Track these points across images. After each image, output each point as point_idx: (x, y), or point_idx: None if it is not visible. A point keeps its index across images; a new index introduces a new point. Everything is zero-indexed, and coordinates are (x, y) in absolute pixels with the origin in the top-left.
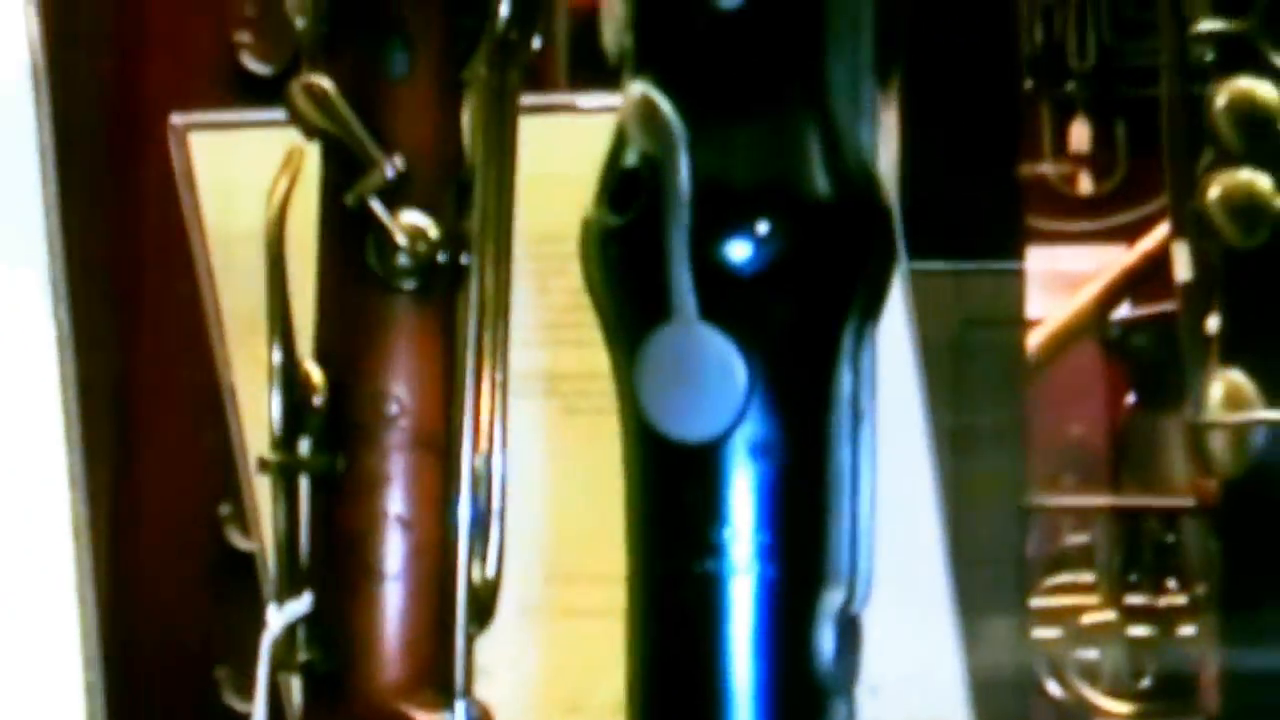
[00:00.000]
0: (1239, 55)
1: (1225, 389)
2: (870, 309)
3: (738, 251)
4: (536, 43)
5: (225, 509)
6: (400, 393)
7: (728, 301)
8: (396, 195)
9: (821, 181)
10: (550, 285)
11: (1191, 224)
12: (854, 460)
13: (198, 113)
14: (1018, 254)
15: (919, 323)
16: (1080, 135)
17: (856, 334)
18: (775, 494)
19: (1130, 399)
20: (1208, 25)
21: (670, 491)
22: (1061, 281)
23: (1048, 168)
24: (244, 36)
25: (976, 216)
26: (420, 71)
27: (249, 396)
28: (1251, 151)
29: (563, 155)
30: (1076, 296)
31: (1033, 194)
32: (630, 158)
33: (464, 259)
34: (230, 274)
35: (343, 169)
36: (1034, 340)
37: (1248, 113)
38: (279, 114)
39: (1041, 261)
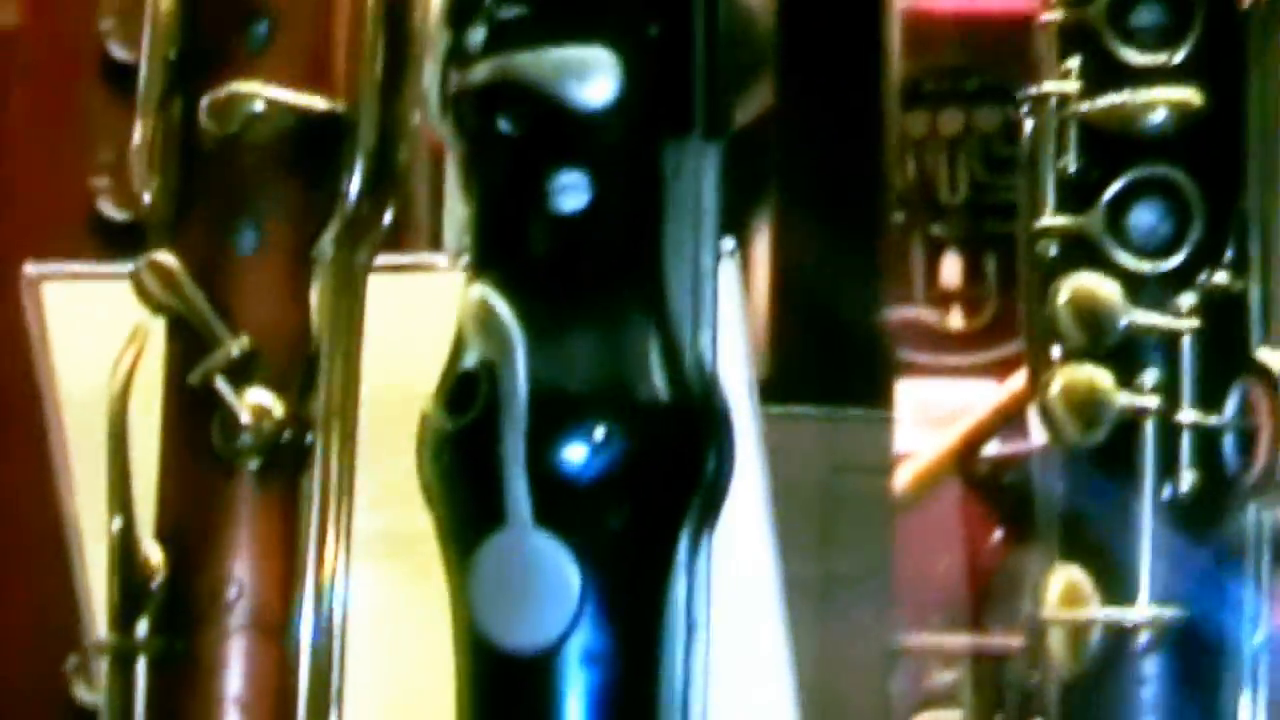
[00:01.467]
0: (1081, 251)
1: (1063, 586)
2: (706, 516)
3: (573, 457)
4: (388, 217)
5: (72, 662)
6: (241, 574)
7: (563, 508)
8: (242, 374)
9: (659, 386)
10: (405, 446)
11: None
12: (686, 669)
13: (54, 261)
14: (887, 401)
15: (785, 468)
16: (951, 270)
17: (692, 542)
18: (606, 704)
19: (998, 537)
20: (1050, 220)
21: (500, 699)
22: (932, 417)
23: (919, 302)
24: (102, 182)
25: (846, 362)
26: (269, 248)
27: (96, 552)
28: (1093, 348)
29: (422, 314)
30: (946, 433)
31: (904, 329)
32: (468, 360)
33: (309, 438)
34: (82, 428)
35: (188, 346)
36: (902, 477)
37: (1089, 309)
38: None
39: (912, 396)
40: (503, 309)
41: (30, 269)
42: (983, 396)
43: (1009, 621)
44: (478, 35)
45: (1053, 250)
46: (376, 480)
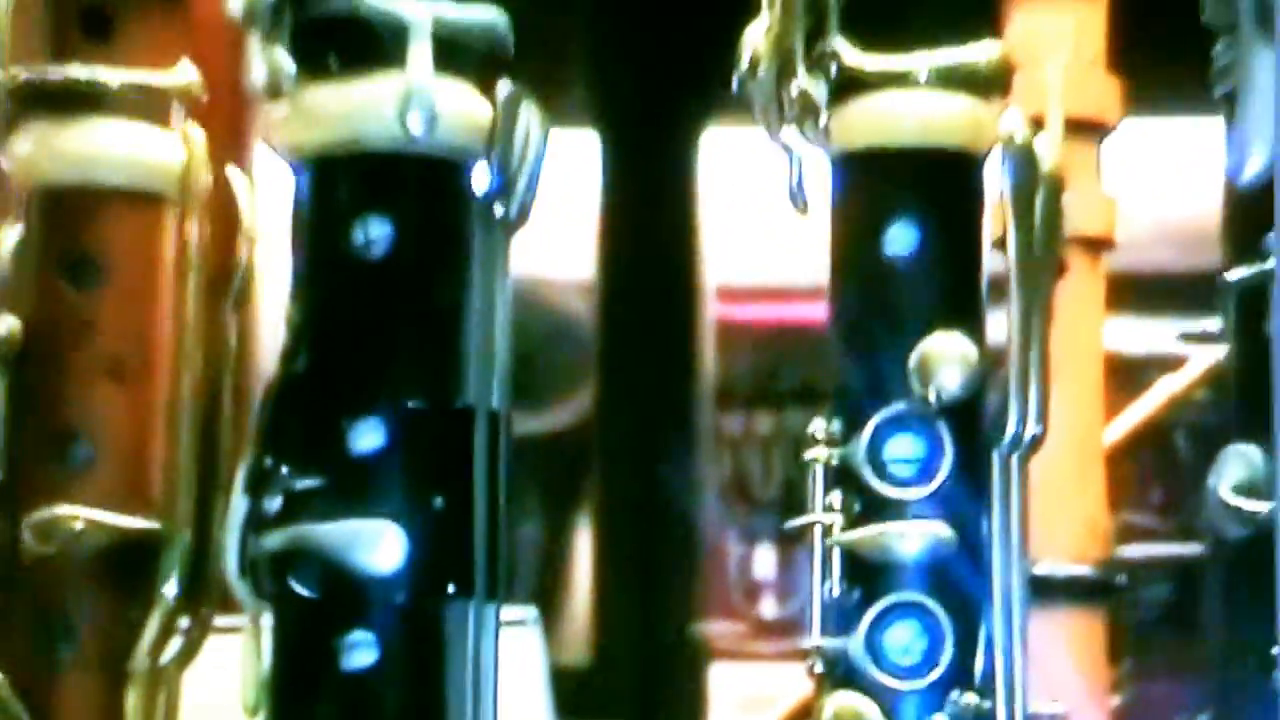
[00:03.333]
0: (845, 669)
1: None
2: None
3: None
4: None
5: None
6: None
7: None
8: None
9: None
10: None
11: None
12: None
13: None
14: None
15: None
16: (764, 561)
17: None
18: None
19: None
20: (816, 641)
21: None
22: (746, 700)
23: (734, 592)
24: None
25: (657, 678)
26: (87, 660)
27: None
28: None
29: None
30: (770, 710)
31: (719, 616)
32: None
33: None
34: None
35: None
36: None
37: None
38: None
39: (728, 684)
40: None
41: None
42: (794, 683)
43: None
44: (274, 503)
45: (819, 668)
46: None
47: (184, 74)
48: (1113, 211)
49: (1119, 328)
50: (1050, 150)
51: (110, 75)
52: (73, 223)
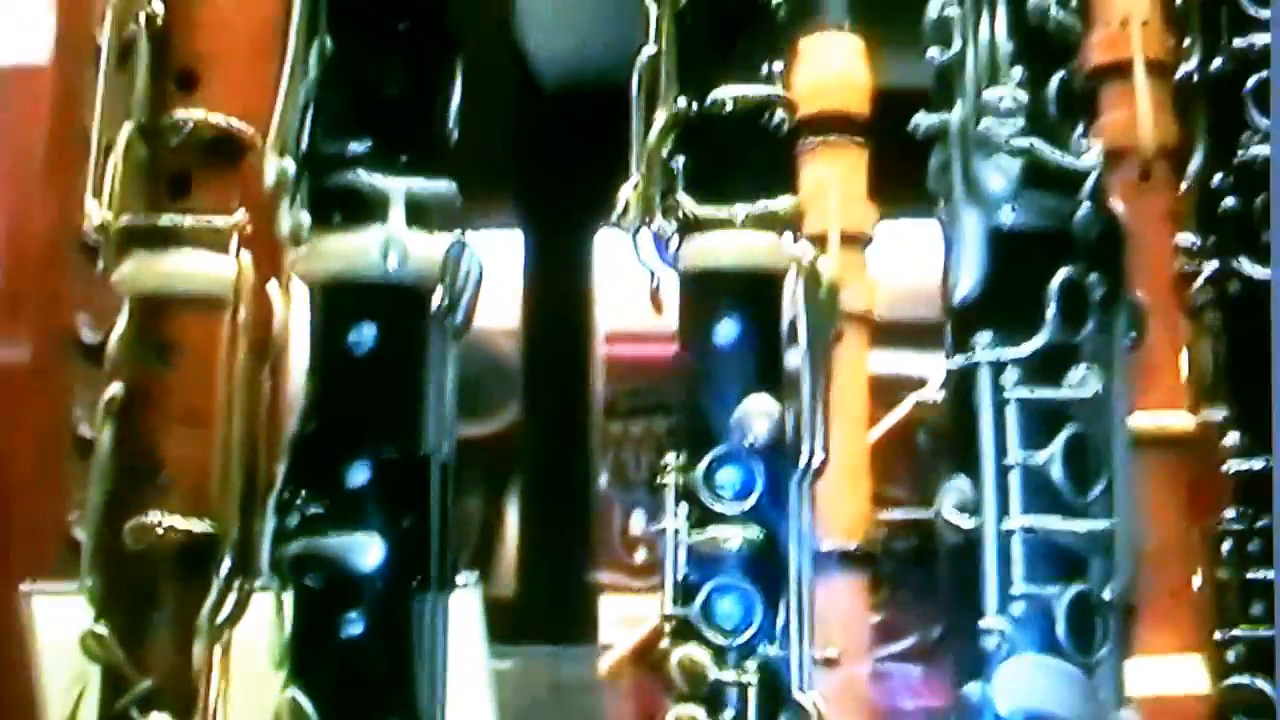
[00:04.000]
0: (686, 629)
1: None
2: None
3: None
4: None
5: None
6: None
7: None
8: (148, 704)
9: None
10: None
11: None
12: None
13: (42, 581)
14: (593, 638)
15: (521, 691)
16: (637, 525)
17: None
18: None
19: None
20: (670, 610)
21: None
22: (627, 620)
23: (616, 544)
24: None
25: (563, 608)
26: (168, 619)
27: None
28: (694, 694)
29: None
30: (634, 632)
31: (608, 564)
32: None
33: None
34: None
35: (114, 686)
36: (605, 663)
37: (690, 669)
38: None
39: (612, 609)
40: (307, 705)
41: (24, 587)
42: (656, 610)
43: None
44: (293, 521)
45: (669, 628)
46: None
47: (238, 216)
48: (874, 292)
49: (884, 359)
50: (829, 267)
51: (186, 219)
52: (159, 319)
